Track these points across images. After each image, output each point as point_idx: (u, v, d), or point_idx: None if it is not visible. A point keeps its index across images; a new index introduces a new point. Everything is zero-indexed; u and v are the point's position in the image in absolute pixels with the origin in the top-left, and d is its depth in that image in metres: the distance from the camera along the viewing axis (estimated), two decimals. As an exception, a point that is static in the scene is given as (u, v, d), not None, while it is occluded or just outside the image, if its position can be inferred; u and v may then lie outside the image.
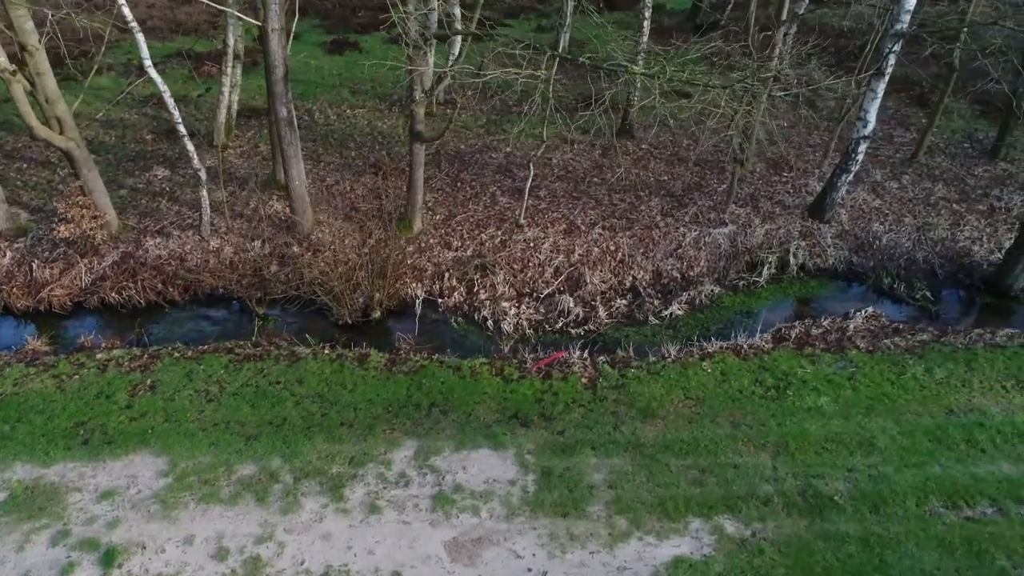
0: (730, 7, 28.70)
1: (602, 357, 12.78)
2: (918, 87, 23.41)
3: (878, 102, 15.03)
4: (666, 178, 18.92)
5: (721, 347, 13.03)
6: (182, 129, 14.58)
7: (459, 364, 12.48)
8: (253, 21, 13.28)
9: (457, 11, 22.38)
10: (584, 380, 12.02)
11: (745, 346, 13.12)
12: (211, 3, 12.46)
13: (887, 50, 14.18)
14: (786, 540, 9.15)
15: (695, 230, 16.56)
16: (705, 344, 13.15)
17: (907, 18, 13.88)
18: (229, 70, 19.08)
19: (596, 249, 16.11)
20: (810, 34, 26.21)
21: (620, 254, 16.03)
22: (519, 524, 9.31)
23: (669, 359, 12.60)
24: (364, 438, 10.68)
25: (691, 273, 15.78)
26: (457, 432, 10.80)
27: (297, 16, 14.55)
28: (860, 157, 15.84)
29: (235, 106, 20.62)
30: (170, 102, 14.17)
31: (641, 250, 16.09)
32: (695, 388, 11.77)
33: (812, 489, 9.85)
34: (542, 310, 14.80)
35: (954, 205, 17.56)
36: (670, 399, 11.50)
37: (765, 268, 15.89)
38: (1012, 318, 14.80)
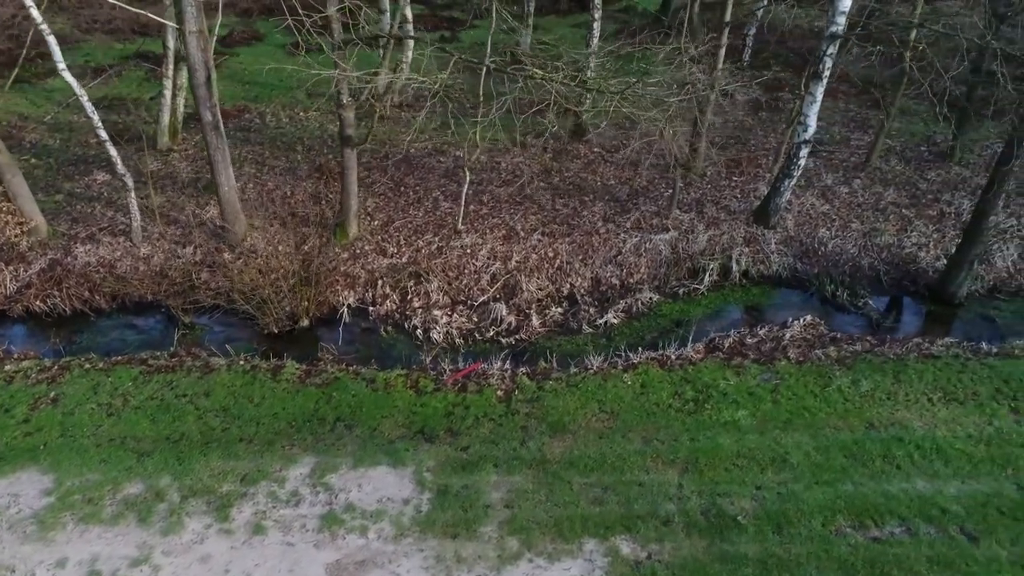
0: (697, 8, 28.30)
1: (522, 368, 12.45)
2: (881, 89, 23.07)
3: (817, 105, 14.70)
4: (613, 182, 18.60)
5: (647, 358, 12.69)
6: (103, 134, 14.26)
7: (375, 376, 12.15)
8: (169, 23, 12.95)
9: (409, 12, 22.10)
10: (500, 393, 11.69)
11: (673, 357, 12.77)
12: (120, 3, 12.11)
13: (822, 53, 13.85)
14: (681, 562, 8.82)
15: (636, 236, 16.23)
16: (631, 355, 12.80)
17: (842, 20, 13.54)
18: (171, 72, 18.77)
19: (534, 256, 15.78)
20: (782, 35, 25.88)
21: (558, 261, 15.70)
22: (406, 546, 8.98)
23: (591, 371, 12.27)
24: (261, 454, 10.35)
25: (631, 280, 15.44)
26: (358, 448, 10.47)
27: (219, 17, 14.20)
28: (802, 162, 15.51)
29: (181, 109, 20.30)
30: (88, 106, 13.84)
31: (580, 257, 15.77)
32: (611, 401, 11.43)
33: (716, 508, 9.52)
34: (475, 318, 14.48)
35: (903, 210, 17.23)
36: (583, 413, 11.17)
37: (707, 275, 15.54)
38: (954, 326, 14.46)
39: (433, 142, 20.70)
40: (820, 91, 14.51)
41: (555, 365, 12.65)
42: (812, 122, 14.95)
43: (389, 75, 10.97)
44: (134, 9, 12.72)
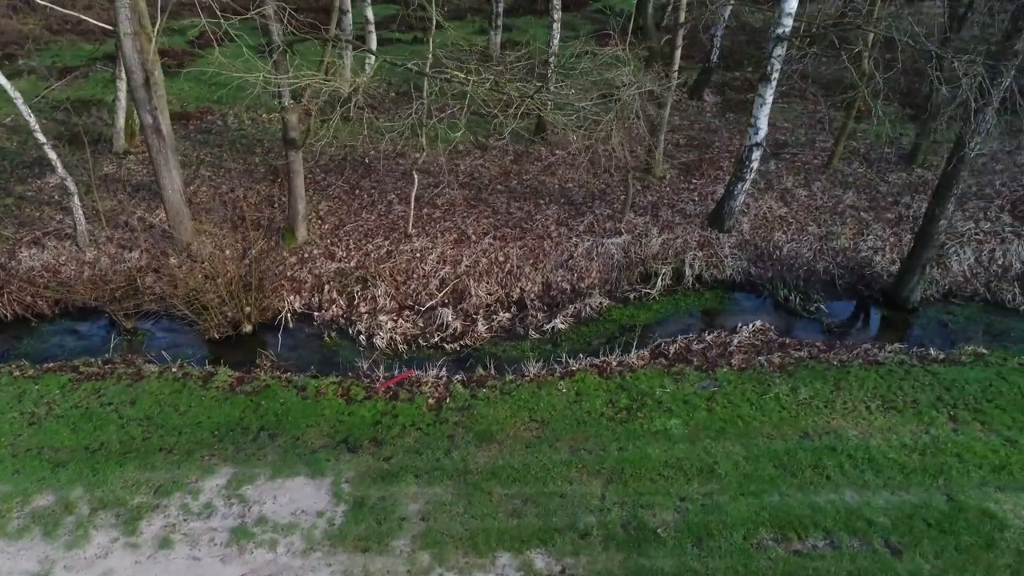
0: (670, 8, 28.09)
1: (457, 375, 12.24)
2: (851, 90, 22.88)
3: (767, 108, 14.51)
4: (571, 185, 18.39)
5: (587, 364, 12.48)
6: (40, 137, 14.07)
7: (306, 383, 11.93)
8: (104, 24, 12.73)
9: (370, 13, 21.91)
10: (431, 401, 11.48)
11: (614, 363, 12.55)
12: (50, 4, 11.91)
13: (769, 55, 13.66)
14: (595, 577, 8.61)
15: (588, 240, 16.02)
16: (571, 361, 12.59)
17: (789, 21, 13.35)
18: (124, 74, 18.50)
19: (484, 260, 15.57)
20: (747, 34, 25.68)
21: (509, 265, 15.49)
22: (315, 560, 8.77)
23: (527, 378, 12.06)
24: (179, 465, 10.13)
25: (581, 285, 15.25)
26: (278, 458, 10.26)
27: (160, 20, 13.98)
28: (755, 164, 15.32)
29: (139, 111, 20.04)
30: (24, 109, 13.64)
31: (531, 261, 15.56)
32: (543, 409, 11.22)
33: (637, 520, 9.30)
34: (420, 324, 14.28)
35: (862, 213, 17.03)
36: (513, 422, 10.96)
37: (659, 279, 15.36)
38: (907, 332, 14.28)
39: (393, 144, 20.47)
40: (770, 93, 14.31)
41: (493, 372, 12.44)
42: (763, 125, 14.75)
43: (313, 79, 10.76)
44: (65, 10, 12.51)
